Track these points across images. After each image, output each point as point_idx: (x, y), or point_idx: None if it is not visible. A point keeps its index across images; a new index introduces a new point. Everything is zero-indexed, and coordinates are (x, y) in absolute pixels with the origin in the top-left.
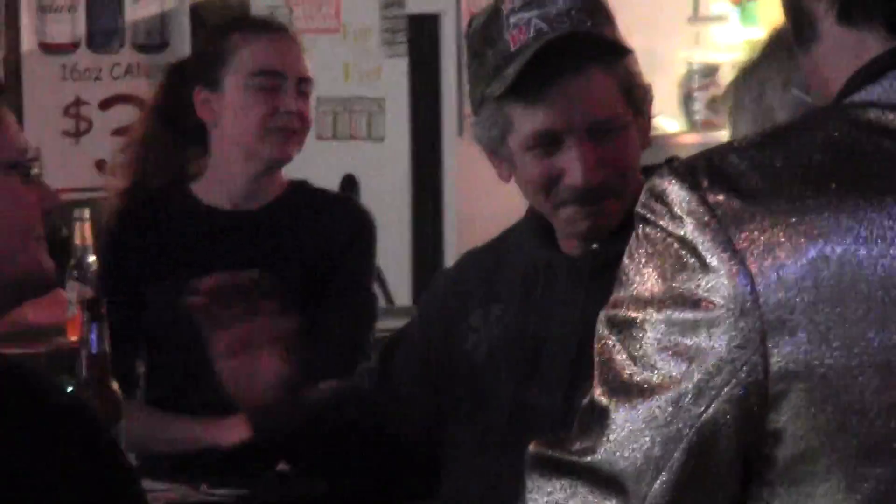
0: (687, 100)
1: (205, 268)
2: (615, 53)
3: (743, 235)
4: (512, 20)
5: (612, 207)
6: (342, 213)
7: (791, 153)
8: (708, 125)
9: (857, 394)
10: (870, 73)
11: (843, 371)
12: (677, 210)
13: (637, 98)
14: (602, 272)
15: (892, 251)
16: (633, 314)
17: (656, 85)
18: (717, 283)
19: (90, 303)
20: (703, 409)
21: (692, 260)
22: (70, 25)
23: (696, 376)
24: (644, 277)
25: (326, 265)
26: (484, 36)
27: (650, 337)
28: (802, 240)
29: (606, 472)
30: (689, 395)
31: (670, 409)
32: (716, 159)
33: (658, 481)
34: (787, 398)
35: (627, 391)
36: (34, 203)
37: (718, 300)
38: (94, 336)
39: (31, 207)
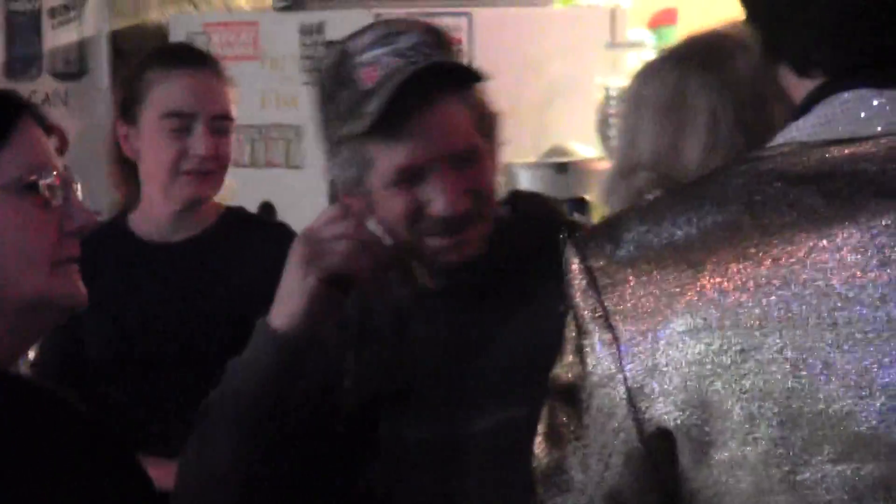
0: (604, 125)
1: (136, 299)
2: (473, 80)
3: (614, 299)
4: (362, 59)
5: (475, 234)
6: (274, 239)
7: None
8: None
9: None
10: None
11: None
12: (567, 276)
13: (489, 125)
14: (472, 299)
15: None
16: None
17: (575, 111)
18: (592, 348)
19: None
20: (601, 476)
21: (574, 328)
22: None
23: (591, 445)
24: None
25: (258, 291)
26: (335, 77)
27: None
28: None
29: None
30: (592, 462)
31: (581, 475)
32: (614, 222)
33: None
34: (670, 454)
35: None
36: (48, 225)
37: (590, 367)
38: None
39: (43, 230)
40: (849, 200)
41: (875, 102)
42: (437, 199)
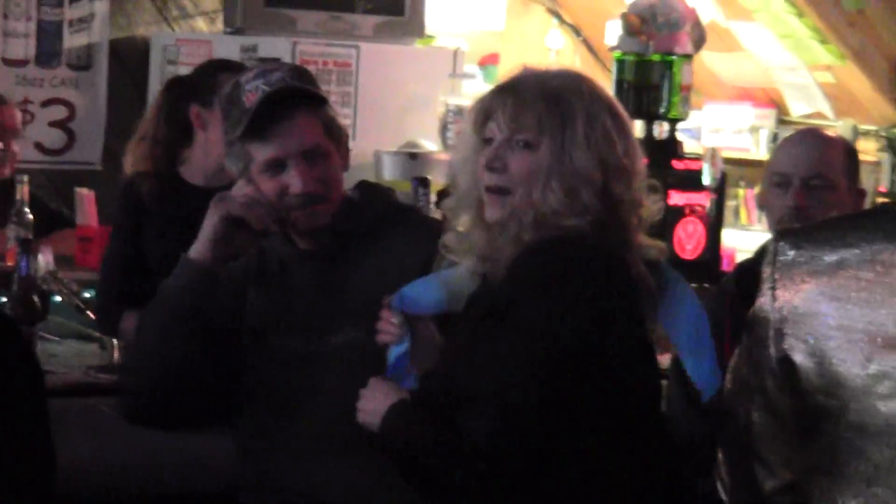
0: (444, 129)
1: (189, 230)
2: (318, 102)
3: None
4: (247, 87)
5: (325, 209)
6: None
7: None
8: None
9: None
10: None
11: None
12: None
13: (336, 133)
14: (329, 255)
15: None
16: None
17: (424, 118)
18: None
19: (24, 241)
20: None
21: None
22: (24, 48)
23: None
24: None
25: None
26: (230, 100)
27: None
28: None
29: None
30: None
31: None
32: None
33: None
34: None
35: None
36: None
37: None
38: (24, 264)
39: None
40: None
41: None
42: (295, 182)
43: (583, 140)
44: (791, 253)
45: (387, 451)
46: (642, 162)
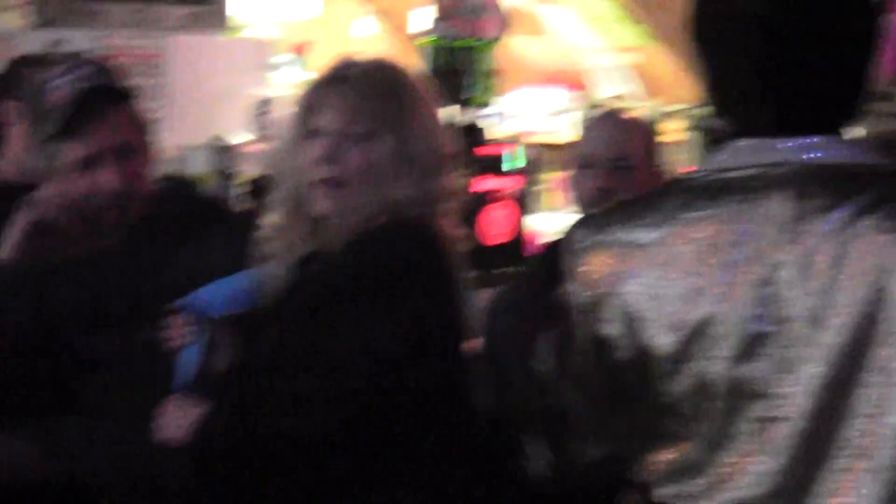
0: (257, 119)
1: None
2: (125, 99)
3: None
4: (54, 85)
5: (133, 207)
6: None
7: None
8: (267, 138)
9: None
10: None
11: None
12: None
13: (143, 130)
14: (141, 246)
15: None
16: None
17: (234, 110)
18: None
19: None
20: None
21: None
22: None
23: None
24: None
25: None
26: (36, 98)
27: None
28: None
29: None
30: None
31: None
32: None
33: None
34: None
35: None
36: None
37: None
38: None
39: None
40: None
41: (752, 145)
42: (107, 179)
43: (420, 130)
44: (589, 239)
45: (201, 461)
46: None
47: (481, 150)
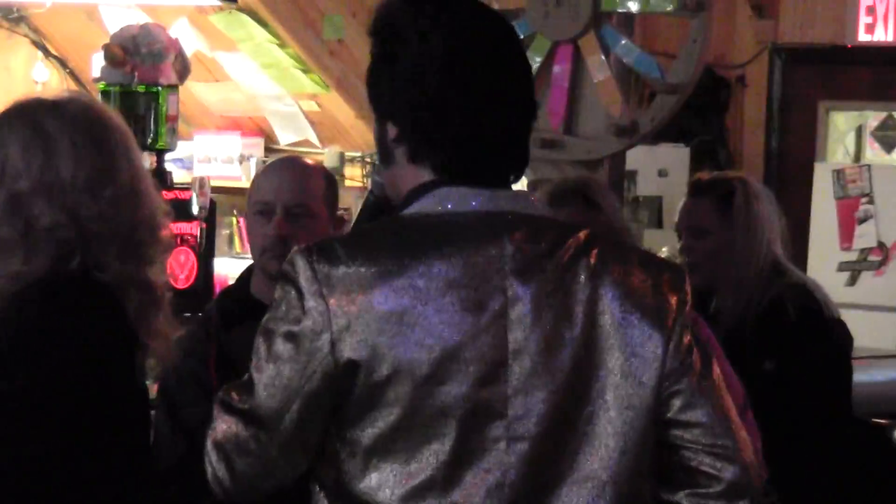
0: None
1: None
2: None
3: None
4: None
5: None
6: None
7: (369, 241)
8: None
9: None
10: (417, 192)
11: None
12: (299, 272)
13: None
14: None
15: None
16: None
17: None
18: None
19: None
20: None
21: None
22: None
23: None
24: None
25: None
26: None
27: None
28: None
29: (256, 414)
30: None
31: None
32: (323, 244)
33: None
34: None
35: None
36: None
37: (308, 322)
38: None
39: None
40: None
41: (463, 193)
42: None
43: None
44: (327, 268)
45: None
46: None
47: (167, 195)
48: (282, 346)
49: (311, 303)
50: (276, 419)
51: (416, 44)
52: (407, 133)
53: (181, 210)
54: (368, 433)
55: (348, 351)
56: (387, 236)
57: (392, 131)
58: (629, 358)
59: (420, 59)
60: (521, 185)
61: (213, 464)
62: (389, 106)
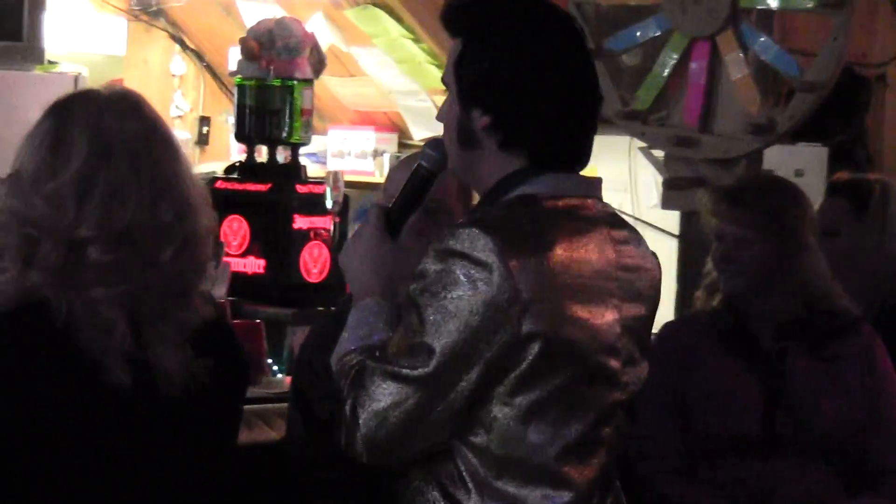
0: None
1: None
2: None
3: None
4: None
5: None
6: None
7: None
8: None
9: None
10: (518, 178)
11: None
12: (482, 247)
13: None
14: None
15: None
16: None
17: None
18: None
19: None
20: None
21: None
22: None
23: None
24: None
25: None
26: None
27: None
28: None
29: (431, 381)
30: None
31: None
32: (492, 222)
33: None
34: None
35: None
36: None
37: (497, 295)
38: None
39: None
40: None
41: (563, 180)
42: None
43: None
44: (508, 244)
45: None
46: None
47: (301, 189)
48: (466, 317)
49: (497, 277)
50: (453, 386)
51: (510, 34)
52: (499, 121)
53: (315, 204)
54: (531, 397)
55: (531, 324)
56: (540, 219)
57: (482, 120)
58: None
59: (514, 49)
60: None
61: (370, 431)
62: (481, 94)
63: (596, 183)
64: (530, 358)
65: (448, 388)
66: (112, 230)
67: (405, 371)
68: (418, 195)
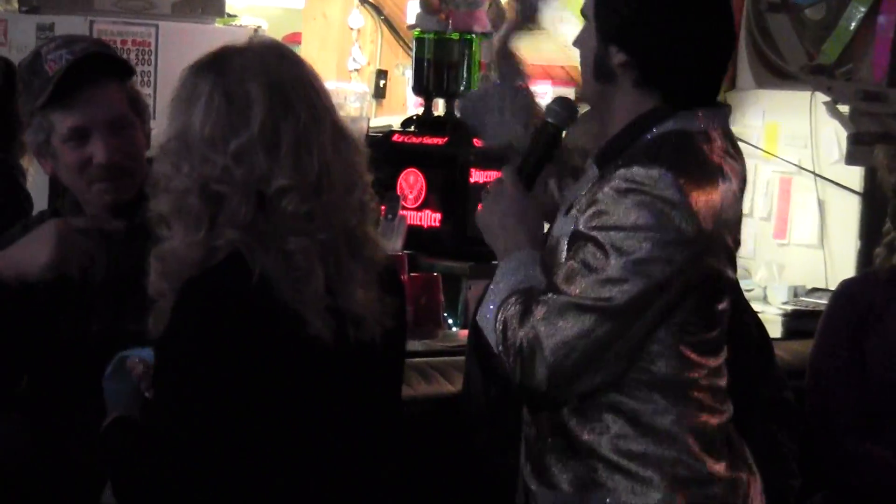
0: None
1: None
2: (124, 73)
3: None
4: (49, 57)
5: (127, 185)
6: None
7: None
8: None
9: None
10: (658, 115)
11: None
12: (666, 187)
13: (140, 108)
14: (133, 236)
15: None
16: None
17: None
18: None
19: None
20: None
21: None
22: None
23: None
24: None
25: None
26: (30, 70)
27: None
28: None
29: (619, 312)
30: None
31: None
32: (658, 156)
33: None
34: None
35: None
36: None
37: (684, 233)
38: None
39: None
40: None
41: (707, 116)
42: (98, 152)
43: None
44: (690, 185)
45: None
46: None
47: (478, 143)
48: (656, 252)
49: (681, 212)
50: (638, 317)
51: None
52: (637, 62)
53: (491, 158)
54: (688, 326)
55: (711, 258)
56: (699, 154)
57: (618, 56)
58: None
59: None
60: (835, 138)
61: (558, 360)
62: (622, 32)
63: (727, 112)
64: (707, 293)
65: (633, 320)
66: (304, 179)
67: (595, 303)
68: (548, 151)
